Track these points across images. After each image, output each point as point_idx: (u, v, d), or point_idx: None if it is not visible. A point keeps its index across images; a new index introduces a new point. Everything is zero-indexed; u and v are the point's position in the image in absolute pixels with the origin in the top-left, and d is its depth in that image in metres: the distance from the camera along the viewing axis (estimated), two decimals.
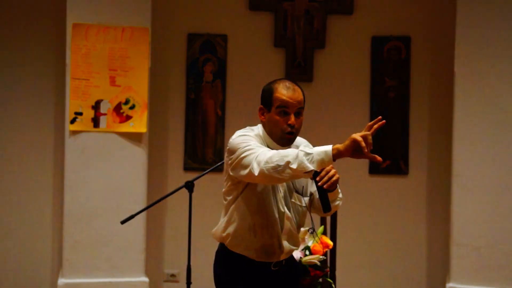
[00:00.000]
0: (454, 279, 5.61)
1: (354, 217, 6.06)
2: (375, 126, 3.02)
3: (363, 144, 2.93)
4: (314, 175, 3.13)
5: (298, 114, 3.25)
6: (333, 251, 4.56)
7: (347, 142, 2.96)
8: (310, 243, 4.34)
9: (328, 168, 3.10)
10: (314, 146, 3.17)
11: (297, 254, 4.15)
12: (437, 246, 6.11)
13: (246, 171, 3.10)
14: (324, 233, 4.49)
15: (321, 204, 3.21)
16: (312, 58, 6.10)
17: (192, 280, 4.88)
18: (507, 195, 5.56)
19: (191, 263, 4.82)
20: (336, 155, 2.96)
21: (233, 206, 3.34)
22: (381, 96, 6.12)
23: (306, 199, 3.40)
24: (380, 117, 3.04)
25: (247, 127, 3.35)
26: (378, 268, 6.17)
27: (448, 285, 5.63)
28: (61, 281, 5.55)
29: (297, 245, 3.43)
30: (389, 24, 6.13)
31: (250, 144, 3.16)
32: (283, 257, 3.38)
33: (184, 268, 4.88)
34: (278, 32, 6.11)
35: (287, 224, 3.33)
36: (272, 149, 3.20)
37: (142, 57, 5.58)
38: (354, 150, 2.96)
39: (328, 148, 2.98)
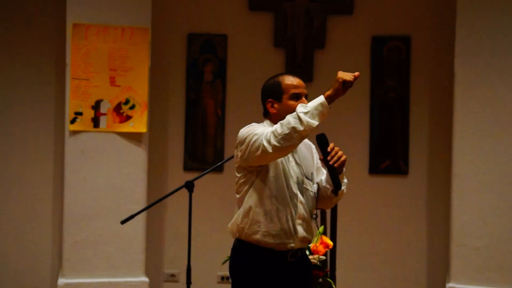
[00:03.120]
0: (454, 279, 5.61)
1: (354, 217, 6.06)
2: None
3: (352, 80, 3.20)
4: (324, 155, 3.32)
5: (306, 98, 3.44)
6: (333, 251, 4.56)
7: (335, 85, 3.23)
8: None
9: (336, 149, 3.34)
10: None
11: None
12: (437, 246, 6.10)
13: (259, 152, 3.25)
14: (324, 233, 4.49)
15: (332, 184, 3.37)
16: (312, 58, 6.10)
17: (192, 280, 4.88)
18: (507, 195, 5.56)
19: (191, 263, 4.82)
20: (330, 101, 3.24)
21: (247, 196, 3.42)
22: (381, 96, 6.12)
23: (315, 186, 3.51)
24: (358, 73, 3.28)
25: (253, 123, 3.44)
26: (378, 268, 6.17)
27: (448, 285, 5.62)
28: (61, 281, 5.55)
29: (310, 231, 3.48)
30: (389, 24, 6.13)
31: (256, 131, 3.31)
32: (297, 245, 3.44)
33: (184, 268, 4.87)
34: (278, 32, 6.10)
35: (300, 208, 3.42)
36: None
37: (142, 57, 5.58)
38: (343, 90, 3.23)
39: (321, 99, 3.24)
